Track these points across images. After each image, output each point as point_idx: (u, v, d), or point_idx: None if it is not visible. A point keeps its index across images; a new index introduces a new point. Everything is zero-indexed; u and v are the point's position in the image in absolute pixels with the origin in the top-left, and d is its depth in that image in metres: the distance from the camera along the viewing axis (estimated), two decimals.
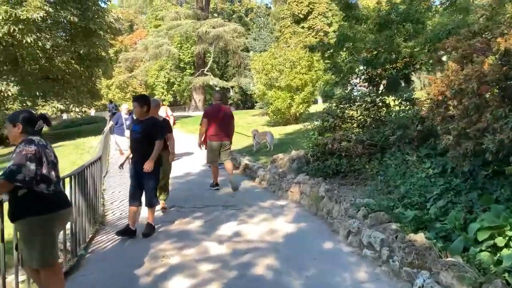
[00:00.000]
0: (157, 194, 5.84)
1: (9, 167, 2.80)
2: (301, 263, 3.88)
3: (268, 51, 16.81)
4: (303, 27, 34.07)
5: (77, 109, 20.67)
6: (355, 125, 7.00)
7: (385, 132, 6.22)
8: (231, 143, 7.43)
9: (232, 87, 35.75)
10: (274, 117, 15.74)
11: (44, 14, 16.84)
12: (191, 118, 25.14)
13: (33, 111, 3.21)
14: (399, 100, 6.77)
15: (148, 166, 4.80)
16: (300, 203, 5.98)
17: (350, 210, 4.66)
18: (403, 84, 7.28)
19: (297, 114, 15.43)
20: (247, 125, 16.64)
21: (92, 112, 35.75)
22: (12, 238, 3.23)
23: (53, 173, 3.11)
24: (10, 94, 17.56)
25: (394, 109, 6.95)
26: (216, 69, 39.40)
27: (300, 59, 14.79)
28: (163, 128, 5.49)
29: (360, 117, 6.89)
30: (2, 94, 17.42)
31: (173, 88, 40.01)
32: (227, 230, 4.98)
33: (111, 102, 24.81)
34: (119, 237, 4.79)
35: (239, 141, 11.80)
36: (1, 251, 3.10)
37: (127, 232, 4.79)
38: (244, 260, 4.05)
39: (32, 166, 2.87)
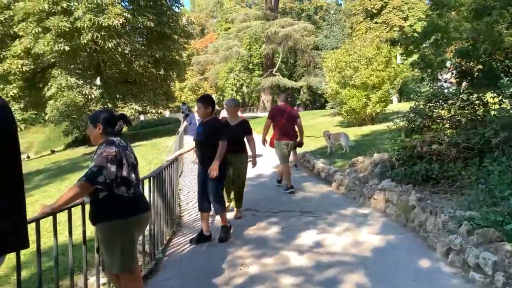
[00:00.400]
0: (230, 200, 5.65)
1: (90, 169, 2.72)
2: (395, 283, 3.42)
3: (341, 48, 16.14)
4: (376, 22, 32.65)
5: (153, 111, 21.60)
6: (447, 125, 6.27)
7: (485, 133, 5.45)
8: (301, 144, 7.43)
9: (301, 87, 35.25)
10: (348, 117, 15.05)
11: (124, 21, 17.76)
12: (260, 119, 25.11)
13: (113, 111, 3.12)
14: (500, 97, 5.94)
15: (212, 171, 4.45)
16: (385, 212, 5.45)
17: (450, 224, 4.07)
18: (504, 79, 6.38)
19: (373, 114, 14.62)
20: (319, 126, 16.15)
21: (167, 113, 37.31)
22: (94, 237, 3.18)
23: (133, 175, 2.99)
24: (93, 97, 18.77)
25: (494, 107, 6.12)
26: (284, 69, 39.16)
27: (377, 55, 13.97)
28: (231, 129, 5.29)
29: (454, 116, 6.14)
30: (86, 97, 18.66)
31: (242, 90, 40.48)
32: (306, 239, 4.63)
33: (184, 103, 25.61)
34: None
35: (311, 142, 11.40)
36: (83, 253, 3.06)
37: (201, 239, 4.63)
38: (329, 275, 3.68)
39: (113, 168, 2.77)
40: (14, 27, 18.49)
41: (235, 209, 5.68)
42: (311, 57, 32.36)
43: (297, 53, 34.36)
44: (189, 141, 9.57)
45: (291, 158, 9.49)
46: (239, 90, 40.39)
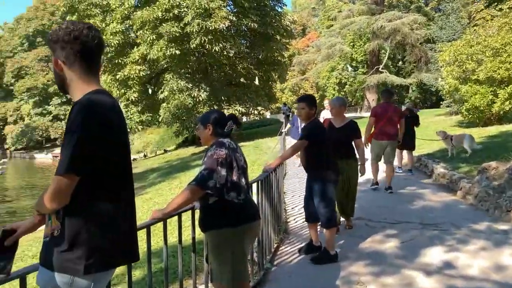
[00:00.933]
0: (340, 212, 5.11)
1: (200, 172, 2.55)
2: None
3: (461, 39, 14.40)
4: (500, 9, 28.84)
5: (255, 112, 21.88)
6: None
7: None
8: (398, 142, 7.21)
9: (410, 84, 32.80)
10: (470, 116, 13.32)
11: (229, 24, 18.27)
12: (365, 119, 23.94)
13: (223, 112, 2.94)
14: None
15: (267, 165, 4.27)
16: None
17: None
18: None
19: (501, 112, 12.74)
20: (434, 126, 14.72)
21: (268, 114, 37.84)
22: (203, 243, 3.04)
23: (243, 179, 2.77)
24: (201, 99, 19.69)
25: None
26: (391, 66, 36.91)
27: (506, 44, 12.11)
28: (336, 132, 4.78)
29: None
30: (195, 99, 19.65)
31: (344, 89, 39.23)
32: (432, 257, 3.99)
33: (285, 104, 25.60)
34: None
35: (427, 144, 10.33)
36: (192, 262, 2.93)
37: (310, 250, 4.25)
38: None
39: (223, 172, 2.57)
40: (133, 35, 20.27)
41: (345, 221, 5.14)
42: (422, 52, 29.81)
43: (406, 48, 32.01)
44: (292, 144, 9.30)
45: (405, 161, 8.70)
46: (341, 89, 39.21)
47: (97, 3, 21.27)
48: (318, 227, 4.32)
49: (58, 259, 1.53)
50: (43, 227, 1.72)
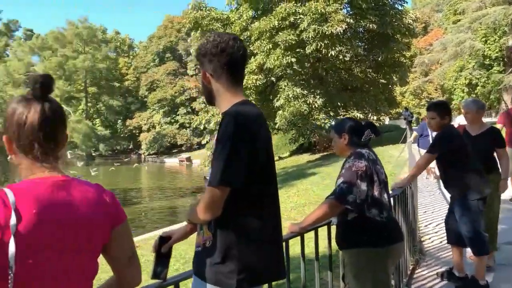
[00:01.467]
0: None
1: (339, 186, 2.40)
2: None
3: None
4: None
5: (374, 118, 20.83)
6: None
7: None
8: None
9: None
10: None
11: (346, 27, 17.77)
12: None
13: (358, 120, 2.74)
14: None
15: (402, 180, 3.90)
16: None
17: None
18: None
19: None
20: None
21: (386, 120, 35.94)
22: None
23: (385, 195, 2.53)
24: (316, 106, 19.48)
25: None
26: None
27: None
28: (472, 141, 3.89)
29: None
30: (310, 106, 19.52)
31: (475, 91, 35.18)
32: None
33: (406, 109, 23.93)
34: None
35: None
36: (329, 280, 2.76)
37: (452, 276, 3.70)
38: None
39: (363, 186, 2.39)
40: (250, 46, 21.02)
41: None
42: None
43: None
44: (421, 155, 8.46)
45: None
46: (472, 92, 35.27)
47: (218, 17, 22.61)
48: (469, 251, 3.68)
49: (211, 271, 1.56)
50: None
